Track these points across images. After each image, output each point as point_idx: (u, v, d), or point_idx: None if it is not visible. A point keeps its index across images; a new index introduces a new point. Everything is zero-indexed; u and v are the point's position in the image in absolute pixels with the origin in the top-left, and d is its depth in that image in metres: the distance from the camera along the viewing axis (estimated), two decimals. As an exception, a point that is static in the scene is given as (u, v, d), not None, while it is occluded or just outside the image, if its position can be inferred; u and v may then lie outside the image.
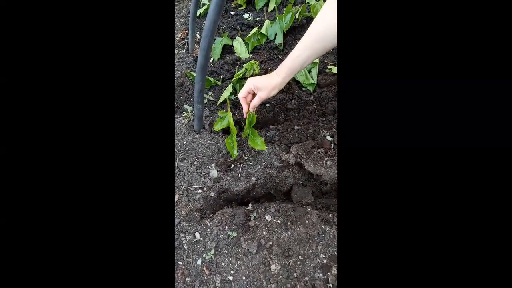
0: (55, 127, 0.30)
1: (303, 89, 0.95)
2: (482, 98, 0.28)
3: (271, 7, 1.22)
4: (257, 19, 1.20)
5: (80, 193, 0.30)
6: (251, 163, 0.75)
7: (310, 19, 1.15)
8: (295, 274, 0.57)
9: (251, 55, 1.07)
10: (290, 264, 0.58)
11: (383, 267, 0.29)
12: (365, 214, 0.30)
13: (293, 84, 0.96)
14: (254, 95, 0.71)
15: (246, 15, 1.23)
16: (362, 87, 0.31)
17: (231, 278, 0.56)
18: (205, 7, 1.28)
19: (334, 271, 0.57)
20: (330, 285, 0.55)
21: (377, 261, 0.29)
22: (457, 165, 0.29)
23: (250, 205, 0.69)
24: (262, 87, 0.67)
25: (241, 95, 0.71)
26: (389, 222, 0.30)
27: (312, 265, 0.57)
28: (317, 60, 0.97)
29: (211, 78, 0.95)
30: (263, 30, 1.09)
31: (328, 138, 0.78)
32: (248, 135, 0.76)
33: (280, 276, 0.56)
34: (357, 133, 0.31)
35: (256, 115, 0.76)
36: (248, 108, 0.72)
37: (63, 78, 0.31)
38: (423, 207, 0.29)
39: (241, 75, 0.92)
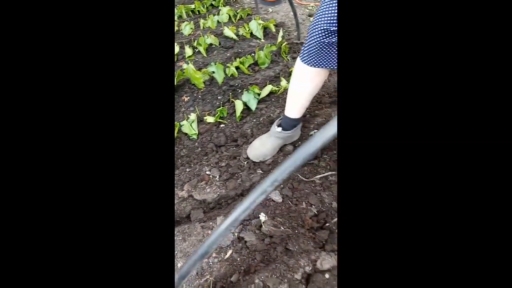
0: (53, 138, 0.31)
1: (190, 139, 1.34)
2: (484, 94, 0.28)
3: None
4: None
5: (81, 201, 0.32)
6: (160, 204, 1.11)
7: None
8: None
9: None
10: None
11: (383, 270, 0.29)
12: (366, 214, 0.29)
13: (182, 137, 1.35)
14: None
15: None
16: (362, 80, 0.30)
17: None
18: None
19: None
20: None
21: (377, 264, 0.29)
22: (465, 162, 0.27)
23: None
24: None
25: None
26: (390, 223, 0.29)
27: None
28: (197, 112, 1.38)
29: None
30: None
31: (207, 172, 1.19)
32: None
33: None
34: (357, 127, 0.30)
35: None
36: None
37: (65, 90, 0.31)
38: (426, 207, 0.28)
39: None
